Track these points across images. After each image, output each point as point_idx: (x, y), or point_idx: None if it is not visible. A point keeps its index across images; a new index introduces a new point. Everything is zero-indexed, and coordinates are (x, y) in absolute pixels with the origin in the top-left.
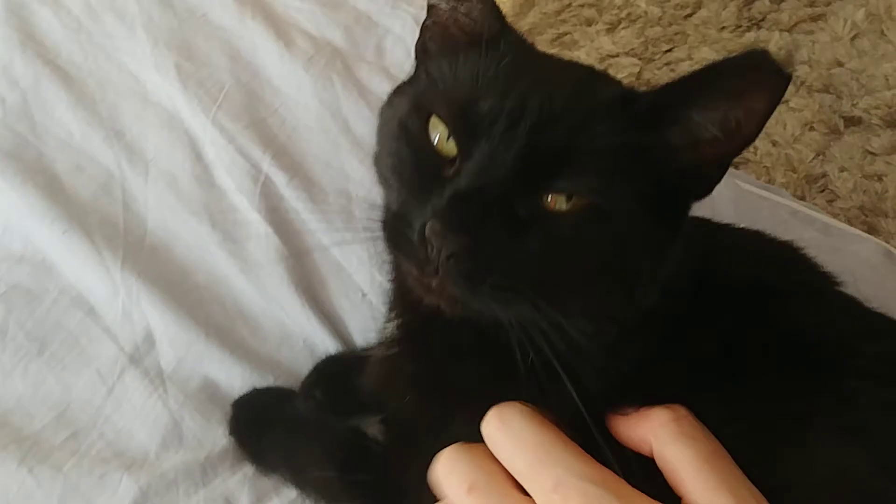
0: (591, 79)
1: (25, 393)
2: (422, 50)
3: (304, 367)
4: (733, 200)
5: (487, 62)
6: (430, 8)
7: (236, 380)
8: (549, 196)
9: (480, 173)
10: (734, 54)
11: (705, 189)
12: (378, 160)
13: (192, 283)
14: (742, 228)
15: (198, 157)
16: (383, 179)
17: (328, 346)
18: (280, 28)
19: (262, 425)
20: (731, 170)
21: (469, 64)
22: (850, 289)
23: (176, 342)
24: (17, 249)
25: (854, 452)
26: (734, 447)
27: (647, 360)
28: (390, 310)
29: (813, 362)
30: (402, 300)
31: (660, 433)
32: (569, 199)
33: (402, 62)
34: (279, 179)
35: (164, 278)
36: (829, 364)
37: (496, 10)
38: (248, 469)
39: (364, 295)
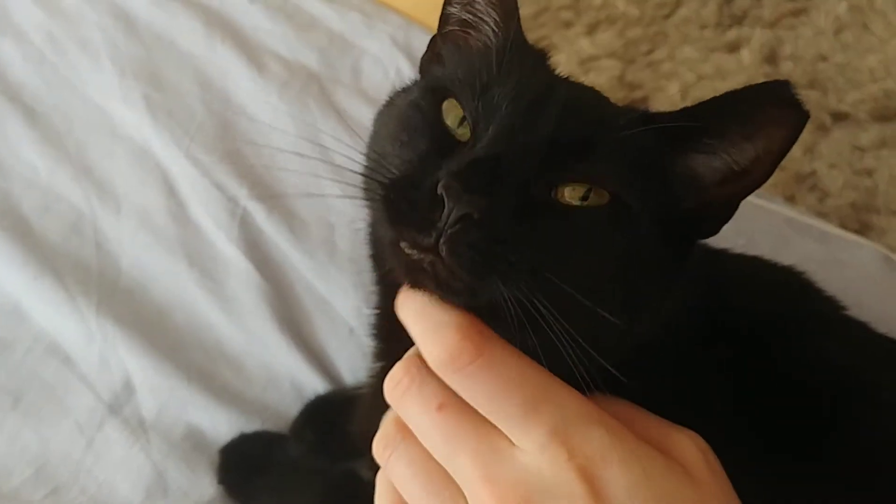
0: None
1: (1, 448)
2: (430, 61)
3: (293, 408)
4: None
5: (505, 59)
6: (446, 18)
7: (222, 425)
8: (568, 186)
9: (499, 144)
10: (757, 83)
11: (712, 227)
12: (376, 141)
13: (171, 325)
14: (741, 255)
15: (171, 191)
16: (382, 158)
17: (316, 385)
18: (252, 53)
19: (251, 472)
20: None
21: (486, 60)
22: (853, 304)
23: (157, 389)
24: None
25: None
26: (744, 492)
27: (647, 395)
28: (376, 345)
29: (824, 397)
30: (388, 333)
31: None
32: (585, 196)
33: (380, 84)
34: (258, 212)
35: (141, 321)
36: (842, 398)
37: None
38: None
39: (351, 330)
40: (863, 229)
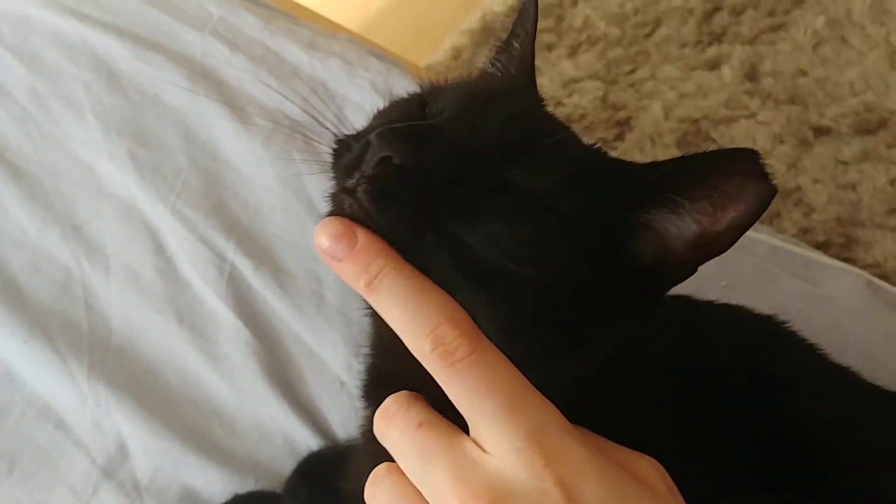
0: None
1: None
2: None
3: (286, 465)
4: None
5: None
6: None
7: (216, 485)
8: (509, 177)
9: (445, 122)
10: (723, 149)
11: (664, 284)
12: None
13: (163, 384)
14: (723, 305)
15: (159, 249)
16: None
17: (309, 441)
18: (235, 104)
19: None
20: None
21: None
22: (839, 342)
23: (150, 450)
24: None
25: None
26: None
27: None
28: (363, 398)
29: (808, 454)
30: (374, 385)
31: None
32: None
33: None
34: (245, 268)
35: (133, 381)
36: (826, 454)
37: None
38: None
39: (342, 384)
40: (849, 243)
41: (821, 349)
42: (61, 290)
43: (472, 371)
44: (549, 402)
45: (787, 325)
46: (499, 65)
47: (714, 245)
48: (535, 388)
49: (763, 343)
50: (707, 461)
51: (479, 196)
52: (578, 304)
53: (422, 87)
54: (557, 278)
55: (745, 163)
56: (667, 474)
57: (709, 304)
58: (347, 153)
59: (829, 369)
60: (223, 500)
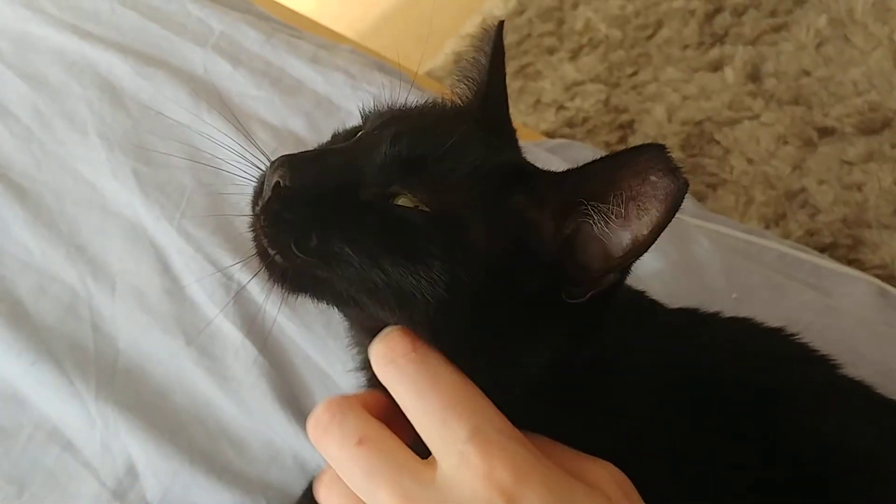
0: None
1: None
2: None
3: (297, 484)
4: (724, 270)
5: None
6: None
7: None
8: (398, 196)
9: (350, 147)
10: (630, 148)
11: (579, 293)
12: None
13: (171, 406)
14: (730, 318)
15: (165, 268)
16: None
17: (319, 461)
18: (239, 120)
19: None
20: (711, 215)
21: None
22: (850, 352)
23: (160, 472)
24: None
25: None
26: None
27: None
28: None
29: (820, 472)
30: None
31: None
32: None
33: None
34: (252, 286)
35: (141, 403)
36: (838, 473)
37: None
38: None
39: None
40: (856, 245)
41: (833, 361)
42: (67, 312)
43: (412, 368)
44: (493, 405)
45: (796, 337)
46: (458, 94)
47: (637, 247)
48: (480, 393)
49: (770, 357)
50: (706, 478)
51: (357, 212)
52: (484, 313)
53: (362, 113)
54: (448, 290)
55: (651, 160)
56: (626, 481)
57: (714, 316)
58: (258, 183)
59: (840, 384)
60: None
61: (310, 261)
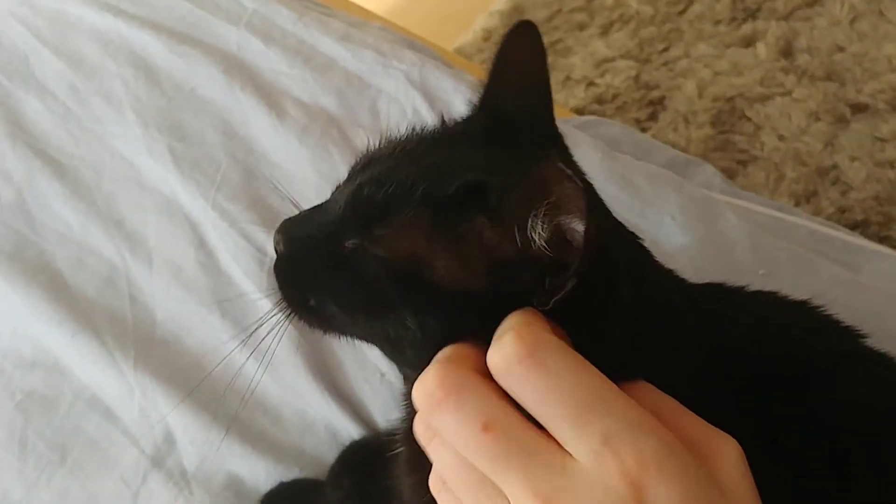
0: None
1: None
2: None
3: (329, 454)
4: (751, 245)
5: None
6: None
7: (261, 474)
8: (370, 239)
9: (329, 201)
10: (531, 156)
11: (544, 300)
12: None
13: (208, 376)
14: (756, 292)
15: (201, 243)
16: None
17: (351, 431)
18: (271, 98)
19: None
20: (741, 192)
21: None
22: (878, 330)
23: (196, 440)
24: (28, 354)
25: None
26: None
27: None
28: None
29: (851, 442)
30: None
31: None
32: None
33: (398, 122)
34: None
35: (178, 373)
36: (869, 443)
37: None
38: None
39: (383, 375)
40: (887, 222)
41: (859, 331)
42: (106, 284)
43: (532, 375)
44: (625, 396)
45: (822, 308)
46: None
47: (578, 250)
48: (610, 384)
49: (796, 328)
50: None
51: (339, 269)
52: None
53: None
54: (424, 333)
55: (545, 169)
56: (745, 459)
57: (739, 290)
58: None
59: (867, 353)
60: (268, 488)
61: (314, 319)
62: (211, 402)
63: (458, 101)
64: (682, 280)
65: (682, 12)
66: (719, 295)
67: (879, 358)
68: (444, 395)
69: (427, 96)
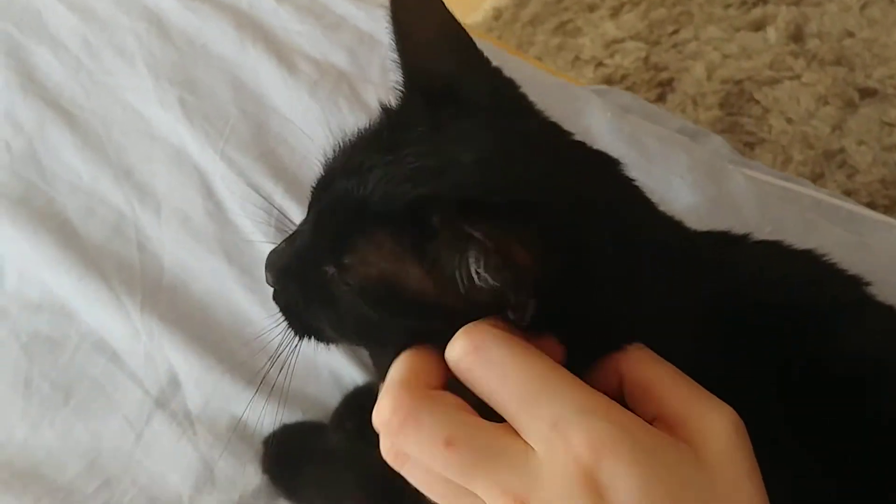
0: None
1: (55, 444)
2: None
3: (332, 398)
4: (759, 205)
5: None
6: None
7: (264, 416)
8: (341, 268)
9: (300, 229)
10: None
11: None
12: None
13: (214, 321)
14: (759, 241)
15: (209, 192)
16: None
17: (354, 376)
18: (282, 54)
19: (295, 461)
20: (749, 161)
21: None
22: (882, 289)
23: (202, 382)
24: (35, 297)
25: None
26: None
27: None
28: None
29: (856, 389)
30: None
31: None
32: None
33: None
34: (292, 211)
35: (184, 318)
36: (875, 389)
37: None
38: None
39: None
40: (893, 205)
41: (865, 280)
42: (114, 232)
43: (479, 369)
44: (573, 380)
45: (826, 257)
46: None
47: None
48: (556, 369)
49: (800, 277)
50: (735, 398)
51: (323, 293)
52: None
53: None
54: (410, 339)
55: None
56: (740, 430)
57: (743, 238)
58: None
59: (873, 304)
60: (272, 430)
61: (318, 339)
62: (216, 346)
63: None
64: (684, 229)
65: None
66: (722, 243)
67: (884, 308)
68: (400, 421)
69: None
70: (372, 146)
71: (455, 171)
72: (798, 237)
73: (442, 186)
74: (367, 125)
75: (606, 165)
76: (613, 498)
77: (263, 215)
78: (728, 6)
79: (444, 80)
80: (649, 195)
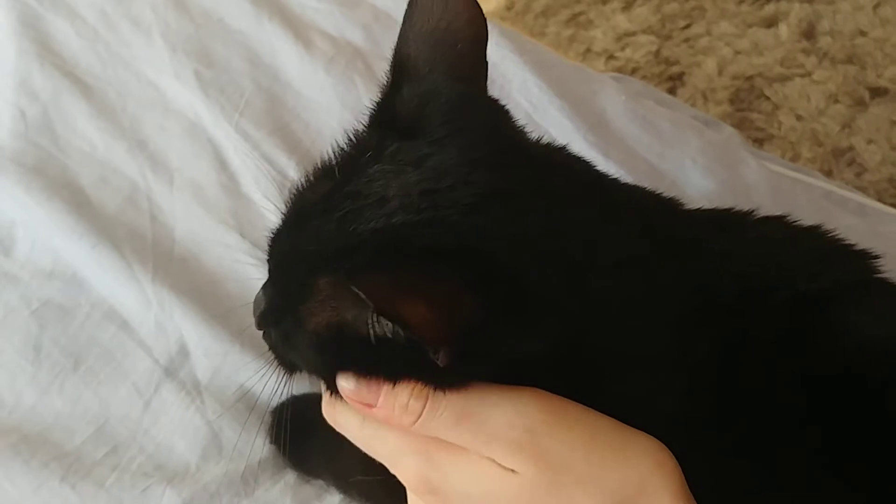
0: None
1: (64, 409)
2: None
3: None
4: (770, 189)
5: None
6: None
7: (272, 387)
8: (296, 317)
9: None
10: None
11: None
12: None
13: (224, 293)
14: (763, 218)
15: (222, 165)
16: None
17: None
18: (298, 29)
19: (302, 432)
20: (760, 152)
21: None
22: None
23: (210, 352)
24: (47, 265)
25: None
26: None
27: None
28: None
29: (865, 372)
30: None
31: None
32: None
33: None
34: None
35: (195, 289)
36: (884, 372)
37: None
38: (290, 477)
39: None
40: None
41: (873, 254)
42: (127, 202)
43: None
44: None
45: (832, 233)
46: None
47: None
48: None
49: (804, 257)
50: (742, 397)
51: (290, 341)
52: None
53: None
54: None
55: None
56: (669, 459)
57: (746, 216)
58: None
59: (880, 282)
60: (280, 401)
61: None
62: (226, 317)
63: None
64: (678, 215)
65: None
66: (724, 224)
67: (892, 286)
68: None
69: None
70: (316, 190)
71: (359, 222)
72: (809, 221)
73: (338, 243)
74: (324, 160)
75: (574, 186)
76: None
77: (276, 190)
78: (741, 2)
79: (420, 86)
80: (629, 198)
